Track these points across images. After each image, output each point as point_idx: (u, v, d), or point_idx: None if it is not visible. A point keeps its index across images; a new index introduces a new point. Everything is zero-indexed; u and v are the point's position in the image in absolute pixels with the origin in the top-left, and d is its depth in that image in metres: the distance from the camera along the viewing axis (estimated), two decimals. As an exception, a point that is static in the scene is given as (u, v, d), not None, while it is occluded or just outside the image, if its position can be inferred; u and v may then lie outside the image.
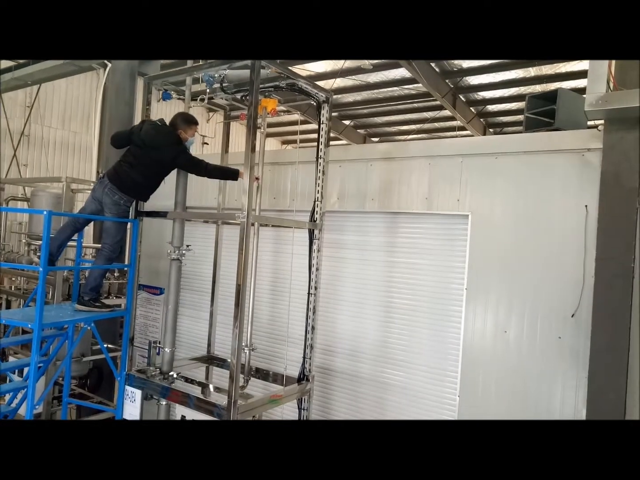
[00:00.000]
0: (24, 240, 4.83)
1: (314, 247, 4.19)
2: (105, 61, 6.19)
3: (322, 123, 4.13)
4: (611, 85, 3.08)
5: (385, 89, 12.50)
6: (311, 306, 4.19)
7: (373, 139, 17.05)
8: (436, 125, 14.67)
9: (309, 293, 4.21)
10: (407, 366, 4.45)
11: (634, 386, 3.23)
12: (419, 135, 15.36)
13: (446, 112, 13.14)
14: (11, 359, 4.93)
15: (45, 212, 3.12)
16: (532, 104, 4.19)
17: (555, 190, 3.76)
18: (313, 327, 4.21)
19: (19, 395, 4.15)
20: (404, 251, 4.55)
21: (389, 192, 4.60)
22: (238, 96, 4.13)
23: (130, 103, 6.34)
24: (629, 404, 3.22)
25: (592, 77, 3.03)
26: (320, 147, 4.14)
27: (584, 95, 3.21)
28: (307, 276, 4.28)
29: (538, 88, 10.60)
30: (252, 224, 3.69)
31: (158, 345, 4.17)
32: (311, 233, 4.19)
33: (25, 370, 4.46)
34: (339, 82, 11.81)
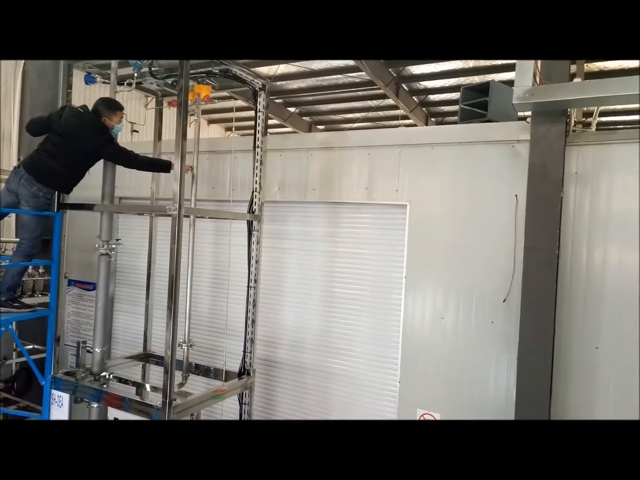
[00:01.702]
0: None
1: (253, 238, 4.09)
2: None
3: (259, 111, 4.01)
4: (537, 79, 3.18)
5: (329, 77, 12.42)
6: (251, 299, 4.11)
7: (319, 126, 16.99)
8: (380, 114, 14.81)
9: (248, 286, 4.11)
10: (351, 355, 4.49)
11: (561, 368, 3.42)
12: (363, 124, 15.47)
13: (390, 101, 13.27)
14: None
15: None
16: (467, 95, 4.27)
17: (488, 180, 3.88)
18: (253, 321, 4.13)
19: None
20: (346, 241, 4.56)
21: (330, 182, 4.57)
22: (169, 81, 3.92)
23: (54, 86, 5.87)
24: (555, 386, 3.40)
25: (519, 71, 3.12)
26: (258, 135, 4.02)
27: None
28: (246, 268, 4.19)
29: (476, 79, 10.91)
30: (187, 216, 3.54)
31: (87, 345, 3.93)
32: (250, 225, 4.09)
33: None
34: (282, 69, 11.61)
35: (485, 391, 3.85)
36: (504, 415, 3.72)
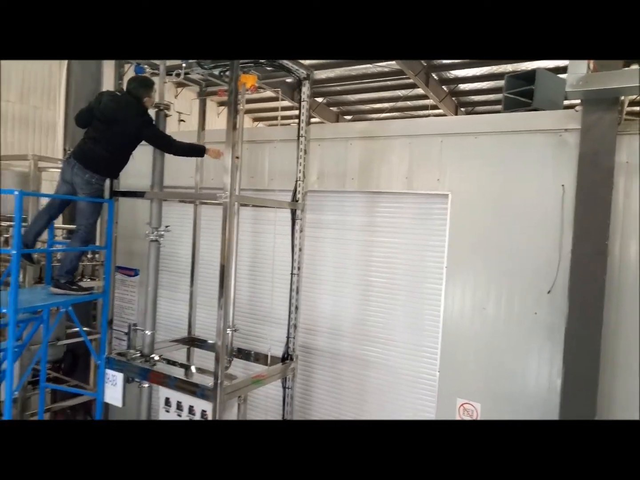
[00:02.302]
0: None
1: (297, 227, 4.16)
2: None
3: (303, 101, 4.05)
4: (591, 66, 3.13)
5: (358, 66, 12.37)
6: (294, 286, 4.18)
7: (346, 116, 16.93)
8: (409, 103, 14.67)
9: (292, 273, 4.19)
10: (386, 343, 4.53)
11: (608, 361, 3.40)
12: (392, 114, 15.35)
13: (419, 91, 13.13)
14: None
15: (16, 193, 2.96)
16: (511, 83, 4.22)
17: (533, 169, 3.84)
18: (297, 307, 4.21)
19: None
20: (384, 230, 4.58)
21: (369, 172, 4.59)
22: (215, 72, 3.99)
23: (97, 77, 6.04)
24: (601, 379, 3.38)
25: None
26: (302, 125, 4.07)
27: (561, 76, 3.26)
28: (288, 256, 4.26)
29: (509, 67, 10.71)
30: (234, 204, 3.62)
31: (137, 327, 4.08)
32: (293, 213, 4.15)
33: (-3, 356, 4.31)
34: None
35: (527, 382, 3.85)
36: (546, 406, 3.73)
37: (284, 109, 16.51)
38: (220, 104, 15.45)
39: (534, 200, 3.82)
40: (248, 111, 17.88)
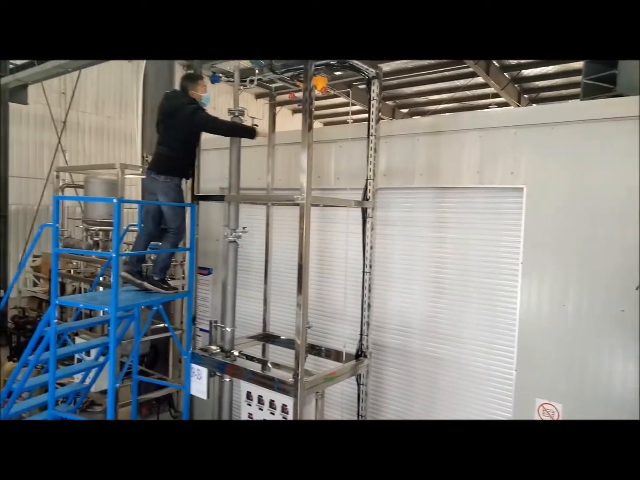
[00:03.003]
0: (80, 226, 5.03)
1: (368, 225, 4.20)
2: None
3: (373, 99, 4.08)
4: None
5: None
6: (367, 284, 4.24)
7: (402, 110, 16.72)
8: (468, 93, 14.27)
9: (363, 271, 4.25)
10: (458, 340, 4.47)
11: None
12: (449, 105, 14.98)
13: (478, 80, 12.74)
14: (78, 340, 5.17)
15: (114, 200, 3.22)
16: (590, 69, 4.04)
17: (616, 159, 3.65)
18: (369, 305, 4.26)
19: (91, 374, 4.39)
20: (454, 226, 4.51)
21: (438, 167, 4.54)
22: (287, 76, 4.10)
23: (169, 85, 6.38)
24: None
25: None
26: (371, 123, 4.11)
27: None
28: (355, 253, 4.30)
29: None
30: (314, 205, 3.73)
31: (218, 324, 4.30)
32: (364, 212, 4.20)
33: (92, 351, 4.70)
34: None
35: (612, 382, 3.68)
36: (631, 408, 3.55)
37: (341, 106, 16.50)
38: (277, 104, 15.80)
39: (617, 192, 3.63)
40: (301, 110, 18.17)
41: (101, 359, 4.40)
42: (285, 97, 4.75)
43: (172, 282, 5.41)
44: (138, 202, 4.26)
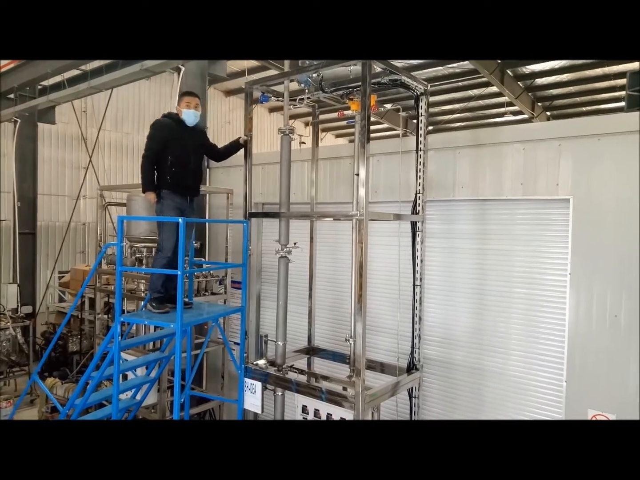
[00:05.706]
0: (126, 244, 5.09)
1: (418, 238, 4.25)
2: (180, 65, 6.31)
3: (421, 115, 4.15)
4: None
5: (428, 70, 12.31)
6: (417, 297, 4.27)
7: (414, 120, 16.79)
8: (481, 102, 14.38)
9: (414, 284, 4.28)
10: (504, 352, 4.47)
11: None
12: (462, 115, 15.09)
13: (492, 89, 12.86)
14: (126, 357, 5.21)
15: (180, 220, 3.29)
16: (634, 80, 4.10)
17: (665, 170, 3.69)
18: (420, 318, 4.29)
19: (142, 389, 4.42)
20: (497, 238, 4.55)
21: (480, 179, 4.59)
22: (336, 95, 4.18)
23: (202, 104, 6.47)
24: None
25: None
26: (420, 138, 4.17)
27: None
28: (393, 266, 4.29)
29: (593, 58, 10.24)
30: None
31: (269, 338, 4.34)
32: (413, 225, 4.25)
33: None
34: (379, 63, 11.74)
35: (670, 394, 3.68)
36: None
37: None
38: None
39: (668, 201, 3.67)
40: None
41: (152, 374, 4.44)
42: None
43: (212, 298, 5.46)
44: (202, 221, 4.32)
